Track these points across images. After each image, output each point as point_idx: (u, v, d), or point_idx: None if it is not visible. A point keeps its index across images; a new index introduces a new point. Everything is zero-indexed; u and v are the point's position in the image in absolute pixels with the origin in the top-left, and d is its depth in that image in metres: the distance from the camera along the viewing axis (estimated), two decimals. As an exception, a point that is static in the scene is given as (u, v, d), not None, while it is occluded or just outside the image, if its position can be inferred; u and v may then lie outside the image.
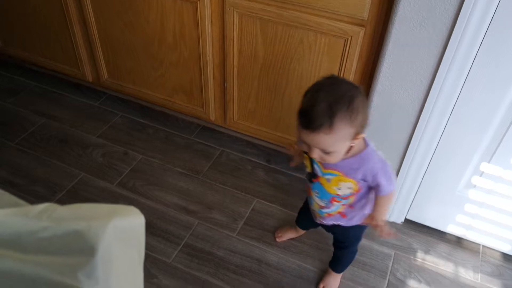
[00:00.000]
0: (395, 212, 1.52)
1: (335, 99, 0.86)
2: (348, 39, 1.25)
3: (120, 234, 0.52)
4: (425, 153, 1.31)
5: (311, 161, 1.04)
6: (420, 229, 1.52)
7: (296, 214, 1.41)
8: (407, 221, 1.54)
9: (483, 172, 1.31)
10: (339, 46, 1.29)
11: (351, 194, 1.05)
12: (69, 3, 1.66)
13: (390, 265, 1.41)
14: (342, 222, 1.14)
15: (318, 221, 1.20)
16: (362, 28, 1.22)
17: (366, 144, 0.99)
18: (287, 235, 1.46)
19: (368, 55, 1.27)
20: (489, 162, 1.27)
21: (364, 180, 1.00)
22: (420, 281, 1.38)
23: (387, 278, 1.38)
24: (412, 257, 1.45)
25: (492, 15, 1.01)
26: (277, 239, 1.46)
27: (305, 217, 1.31)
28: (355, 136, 0.91)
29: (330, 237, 1.30)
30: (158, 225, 1.50)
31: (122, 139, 1.83)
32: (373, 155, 0.98)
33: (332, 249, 1.31)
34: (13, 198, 0.56)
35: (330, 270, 1.34)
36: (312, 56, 1.35)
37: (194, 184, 1.65)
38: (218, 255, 1.42)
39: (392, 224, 1.54)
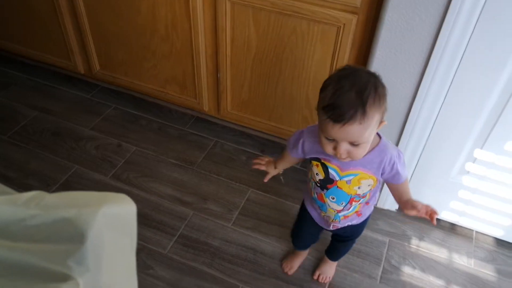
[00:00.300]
0: (389, 199, 1.53)
1: (361, 86, 0.82)
2: (341, 26, 1.25)
3: (111, 221, 0.51)
4: (418, 140, 1.32)
5: (325, 167, 0.99)
6: (414, 216, 1.53)
7: (293, 204, 1.41)
8: (401, 208, 1.55)
9: (476, 158, 1.31)
10: (332, 34, 1.28)
11: (369, 191, 1.02)
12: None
13: (385, 252, 1.43)
14: (356, 221, 1.11)
15: (331, 227, 1.14)
16: (355, 15, 1.22)
17: (379, 136, 0.96)
18: (296, 263, 1.37)
19: (361, 42, 1.27)
20: (481, 148, 1.28)
21: (382, 173, 0.97)
22: (414, 267, 1.39)
23: (382, 265, 1.39)
24: (406, 244, 1.46)
25: (484, 0, 1.01)
26: (289, 272, 1.36)
27: (302, 237, 1.28)
28: (380, 123, 0.88)
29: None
30: (153, 217, 1.49)
31: (116, 131, 1.82)
32: (388, 145, 0.95)
33: (328, 238, 1.31)
34: (1, 186, 0.55)
35: (326, 258, 1.34)
36: (305, 44, 1.34)
37: (189, 175, 1.64)
38: (213, 245, 1.42)
39: (386, 212, 1.55)
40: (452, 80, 1.16)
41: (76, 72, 1.91)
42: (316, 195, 1.07)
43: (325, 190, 1.03)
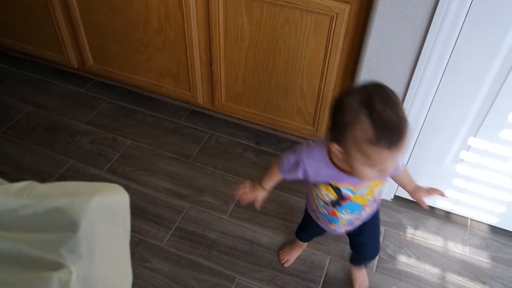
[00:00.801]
0: (384, 189, 1.53)
1: (388, 102, 0.78)
2: (334, 16, 1.24)
3: (104, 211, 0.51)
4: (412, 129, 1.32)
5: (337, 189, 0.96)
6: (409, 205, 1.54)
7: (290, 195, 1.41)
8: (396, 198, 1.56)
9: (470, 146, 1.32)
10: (325, 24, 1.28)
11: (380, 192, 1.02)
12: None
13: (381, 241, 1.43)
14: (367, 217, 1.09)
15: (343, 232, 1.12)
16: (348, 4, 1.21)
17: None
18: (294, 255, 1.36)
19: (355, 32, 1.27)
20: (475, 136, 1.28)
21: None
22: (410, 256, 1.40)
23: (378, 254, 1.40)
24: (402, 233, 1.47)
25: (476, -12, 1.01)
26: (285, 264, 1.35)
27: (309, 230, 1.25)
28: None
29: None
30: (149, 210, 1.50)
31: (110, 125, 1.81)
32: None
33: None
34: None
35: (358, 267, 1.30)
36: (299, 35, 1.34)
37: (185, 168, 1.65)
38: (210, 237, 1.43)
39: (382, 202, 1.55)
40: (445, 69, 1.16)
41: (69, 66, 1.90)
42: (325, 211, 1.04)
43: (337, 207, 1.00)
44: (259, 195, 1.07)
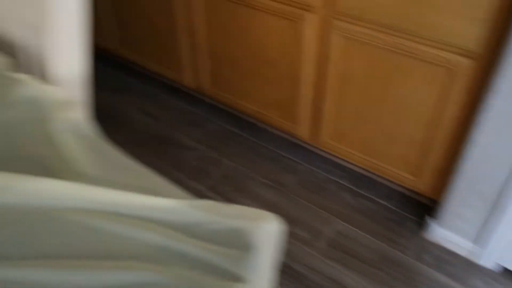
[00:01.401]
0: (488, 255, 1.44)
1: None
2: (452, 70, 1.23)
3: (271, 237, 0.59)
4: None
5: None
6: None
7: (383, 244, 1.36)
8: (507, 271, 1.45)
9: None
10: (441, 75, 1.27)
11: None
12: (179, 13, 1.81)
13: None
14: None
15: None
16: (471, 60, 1.19)
17: None
18: None
19: (475, 88, 1.24)
20: None
21: None
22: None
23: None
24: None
25: None
26: None
27: None
28: None
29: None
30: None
31: (215, 145, 1.94)
32: None
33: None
34: (182, 193, 0.65)
35: None
36: (411, 83, 1.34)
37: (278, 197, 1.70)
38: (297, 270, 1.45)
39: (486, 271, 1.46)
40: None
41: (184, 85, 2.08)
42: None
43: None
44: None
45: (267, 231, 0.58)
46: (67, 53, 0.84)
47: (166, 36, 1.96)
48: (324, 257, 1.49)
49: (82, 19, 0.84)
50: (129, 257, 0.55)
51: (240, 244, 0.55)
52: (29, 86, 0.77)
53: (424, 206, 1.64)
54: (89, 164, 0.68)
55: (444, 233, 1.51)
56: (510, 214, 1.30)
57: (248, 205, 1.66)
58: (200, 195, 1.70)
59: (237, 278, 0.53)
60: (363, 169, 1.72)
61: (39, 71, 0.90)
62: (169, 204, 0.60)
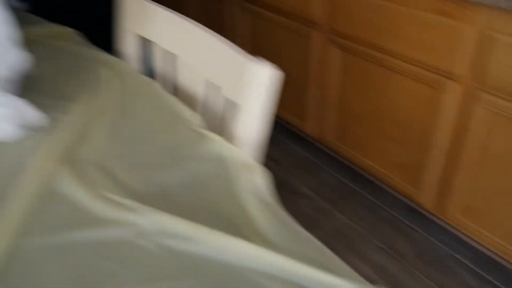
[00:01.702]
0: None
1: None
2: None
3: None
4: None
5: None
6: None
7: None
8: None
9: None
10: None
11: None
12: (313, 67, 1.89)
13: None
14: None
15: None
16: None
17: None
18: None
19: None
20: None
21: None
22: None
23: None
24: None
25: None
26: None
27: None
28: None
29: None
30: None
31: (329, 196, 1.93)
32: None
33: None
34: (354, 273, 0.67)
35: None
36: None
37: (390, 263, 1.61)
38: None
39: None
40: None
41: (307, 134, 2.13)
42: None
43: None
44: None
45: None
46: (251, 118, 0.90)
47: (297, 86, 2.05)
48: None
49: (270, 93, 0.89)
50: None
51: None
52: (217, 143, 0.86)
53: None
54: (274, 231, 0.70)
55: None
56: None
57: (358, 267, 1.61)
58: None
59: None
60: (495, 253, 1.55)
61: (218, 128, 0.99)
62: (344, 285, 0.61)
